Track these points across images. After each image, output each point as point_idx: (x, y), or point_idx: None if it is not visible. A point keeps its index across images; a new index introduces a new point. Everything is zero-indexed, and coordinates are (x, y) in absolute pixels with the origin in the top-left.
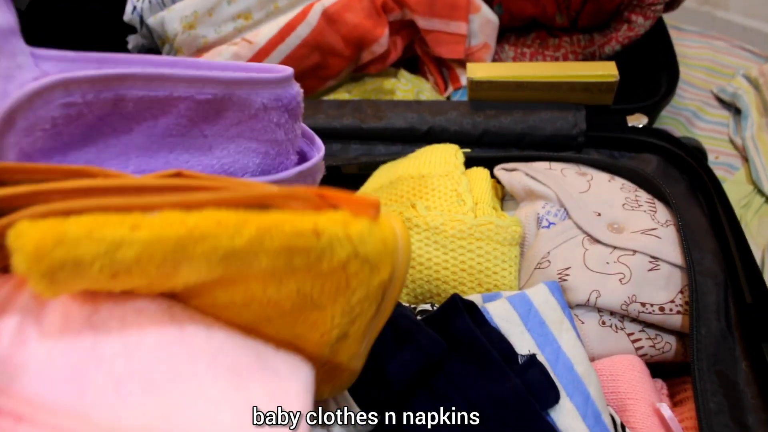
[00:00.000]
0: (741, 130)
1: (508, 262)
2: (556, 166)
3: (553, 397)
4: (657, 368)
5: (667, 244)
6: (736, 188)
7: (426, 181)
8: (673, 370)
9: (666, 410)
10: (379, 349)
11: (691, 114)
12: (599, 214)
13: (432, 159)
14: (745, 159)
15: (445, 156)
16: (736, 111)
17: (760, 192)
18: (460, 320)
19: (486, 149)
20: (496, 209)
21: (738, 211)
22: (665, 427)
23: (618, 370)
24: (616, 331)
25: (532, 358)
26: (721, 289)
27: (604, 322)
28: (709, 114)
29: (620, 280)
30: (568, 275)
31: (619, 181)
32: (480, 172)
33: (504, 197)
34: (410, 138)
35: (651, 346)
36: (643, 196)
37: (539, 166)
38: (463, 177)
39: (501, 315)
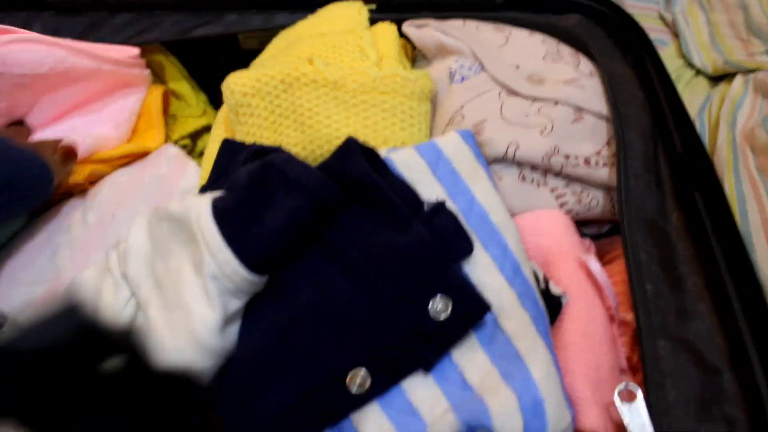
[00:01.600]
0: (671, 6)
1: (417, 118)
2: (471, 23)
3: (465, 247)
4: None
5: (592, 94)
6: (667, 63)
7: (326, 40)
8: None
9: (593, 263)
10: (260, 195)
11: None
12: (518, 67)
13: (333, 17)
14: (675, 34)
15: (348, 13)
16: None
17: (690, 65)
18: (356, 164)
19: (397, 14)
20: (405, 66)
21: None
22: (592, 281)
23: (541, 224)
24: (538, 187)
25: (440, 205)
26: (649, 140)
27: (524, 177)
28: None
29: (541, 132)
30: (483, 128)
31: (539, 36)
32: (386, 28)
33: (415, 60)
34: (314, 3)
35: (576, 202)
36: (565, 49)
37: (452, 23)
38: (367, 32)
39: (406, 163)
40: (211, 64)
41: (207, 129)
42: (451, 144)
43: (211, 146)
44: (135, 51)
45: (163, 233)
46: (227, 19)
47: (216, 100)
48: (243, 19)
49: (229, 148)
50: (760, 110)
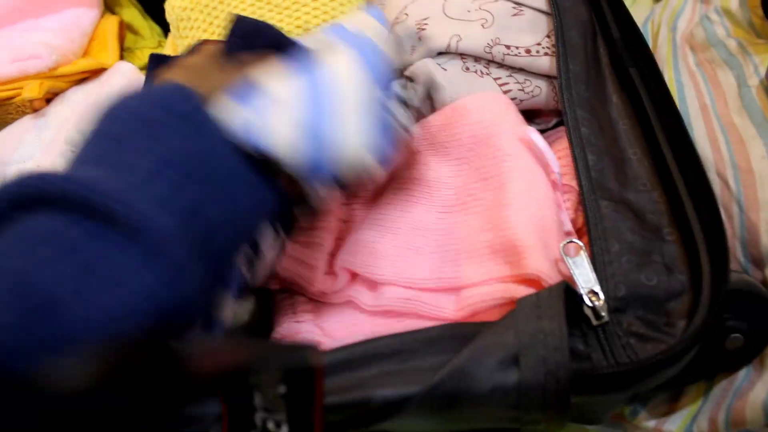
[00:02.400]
0: None
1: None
2: None
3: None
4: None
5: None
6: None
7: None
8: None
9: (533, 134)
10: None
11: None
12: None
13: None
14: None
15: None
16: None
17: None
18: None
19: None
20: None
21: None
22: (534, 153)
23: (481, 102)
24: (482, 76)
25: None
26: (588, 31)
27: (468, 68)
28: None
29: (482, 25)
30: (426, 24)
31: None
32: None
33: None
34: None
35: (520, 90)
36: None
37: None
38: None
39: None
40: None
41: None
42: (359, 20)
43: None
44: None
45: None
46: None
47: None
48: None
49: (158, 61)
50: (700, 13)
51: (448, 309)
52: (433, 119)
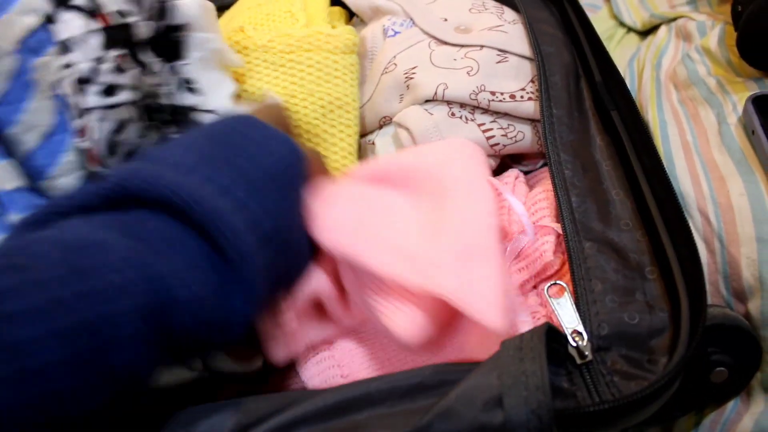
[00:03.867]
0: None
1: (342, 70)
2: None
3: None
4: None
5: (515, 38)
6: (600, 23)
7: (261, 9)
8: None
9: (509, 196)
10: None
11: None
12: (446, 20)
13: None
14: None
15: None
16: None
17: (622, 24)
18: None
19: None
20: (333, 27)
21: None
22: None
23: (447, 150)
24: (467, 122)
25: None
26: (571, 74)
27: (453, 114)
28: None
29: (468, 73)
30: (414, 73)
31: None
32: None
33: (354, 26)
34: None
35: (503, 135)
36: (490, 2)
37: None
38: None
39: None
40: None
41: None
42: None
43: None
44: None
45: None
46: None
47: None
48: None
49: None
50: (682, 51)
51: None
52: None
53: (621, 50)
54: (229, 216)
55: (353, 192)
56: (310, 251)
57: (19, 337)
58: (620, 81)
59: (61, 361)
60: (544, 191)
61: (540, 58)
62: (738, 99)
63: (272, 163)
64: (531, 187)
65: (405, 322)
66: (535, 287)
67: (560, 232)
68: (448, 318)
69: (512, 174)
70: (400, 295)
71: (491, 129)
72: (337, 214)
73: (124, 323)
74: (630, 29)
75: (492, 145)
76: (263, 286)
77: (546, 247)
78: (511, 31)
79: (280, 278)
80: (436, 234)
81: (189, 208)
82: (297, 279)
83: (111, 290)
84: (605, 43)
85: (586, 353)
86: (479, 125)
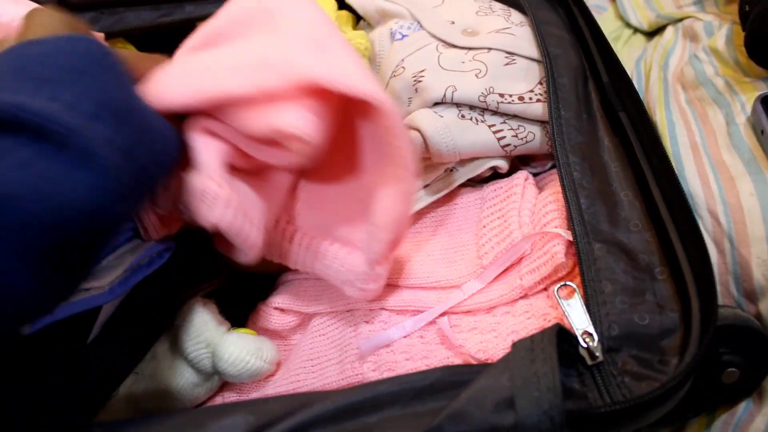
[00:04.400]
0: None
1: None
2: None
3: None
4: None
5: (522, 40)
6: (606, 24)
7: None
8: None
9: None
10: None
11: None
12: (453, 23)
13: None
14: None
15: None
16: None
17: (628, 25)
18: None
19: None
20: (344, 32)
21: None
22: None
23: None
24: (477, 124)
25: None
26: (578, 76)
27: (463, 116)
28: None
29: (476, 75)
30: (423, 77)
31: None
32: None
33: (361, 29)
34: None
35: (513, 136)
36: (497, 4)
37: None
38: None
39: None
40: (172, 54)
41: None
42: None
43: None
44: (99, 35)
45: None
46: (186, 9)
47: None
48: (200, 8)
49: None
50: (689, 51)
51: None
52: None
53: (628, 51)
54: (45, 107)
55: (185, 58)
56: (167, 127)
57: None
58: (628, 82)
59: None
60: (553, 194)
61: (548, 60)
62: (746, 99)
63: (74, 58)
64: (540, 189)
65: (293, 118)
66: (545, 289)
67: (569, 238)
68: (330, 118)
69: (522, 176)
70: (275, 102)
71: (502, 130)
72: (178, 74)
73: None
74: (636, 30)
75: (503, 146)
76: (116, 159)
77: (557, 249)
78: (518, 34)
79: (143, 156)
80: (280, 41)
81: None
82: (168, 156)
83: None
84: (612, 45)
85: (597, 354)
86: (490, 126)
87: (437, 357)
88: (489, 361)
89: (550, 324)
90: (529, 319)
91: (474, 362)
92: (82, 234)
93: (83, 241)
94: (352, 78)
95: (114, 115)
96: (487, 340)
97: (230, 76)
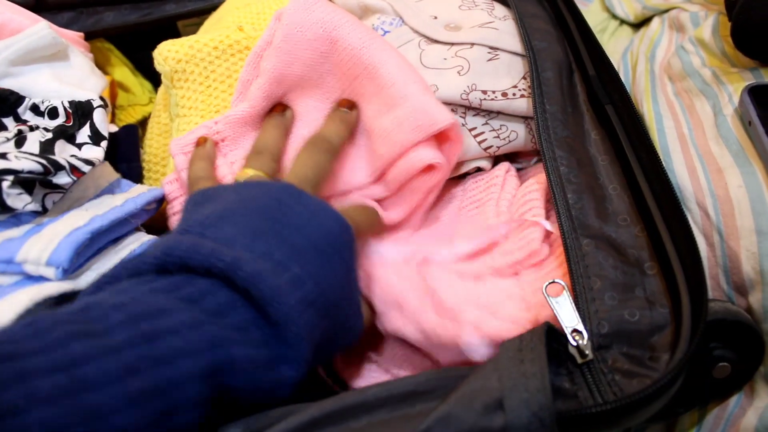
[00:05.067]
0: None
1: None
2: None
3: None
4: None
5: (505, 34)
6: (592, 17)
7: (251, 8)
8: None
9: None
10: None
11: None
12: (435, 18)
13: None
14: None
15: None
16: None
17: (615, 17)
18: None
19: None
20: None
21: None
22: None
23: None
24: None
25: None
26: (564, 69)
27: None
28: None
29: (458, 72)
30: None
31: None
32: None
33: None
34: None
35: (495, 137)
36: None
37: None
38: None
39: None
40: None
41: None
42: None
43: (152, 124)
44: (79, 34)
45: None
46: (166, 8)
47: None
48: (181, 6)
49: None
50: (676, 43)
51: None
52: None
53: (614, 43)
54: (269, 277)
55: None
56: (360, 322)
57: (95, 402)
58: (614, 74)
59: (131, 423)
60: (537, 183)
61: (531, 54)
62: (734, 90)
63: (318, 235)
64: (523, 181)
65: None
66: (516, 274)
67: (548, 228)
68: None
69: (503, 167)
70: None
71: (483, 132)
72: None
73: (188, 386)
74: (623, 22)
75: (486, 149)
76: (309, 349)
77: (534, 236)
78: (501, 28)
79: (328, 343)
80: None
81: (232, 272)
82: (344, 345)
83: (176, 354)
84: (598, 36)
85: (587, 352)
86: (470, 130)
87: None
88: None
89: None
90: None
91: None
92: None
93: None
94: (449, 115)
95: (324, 306)
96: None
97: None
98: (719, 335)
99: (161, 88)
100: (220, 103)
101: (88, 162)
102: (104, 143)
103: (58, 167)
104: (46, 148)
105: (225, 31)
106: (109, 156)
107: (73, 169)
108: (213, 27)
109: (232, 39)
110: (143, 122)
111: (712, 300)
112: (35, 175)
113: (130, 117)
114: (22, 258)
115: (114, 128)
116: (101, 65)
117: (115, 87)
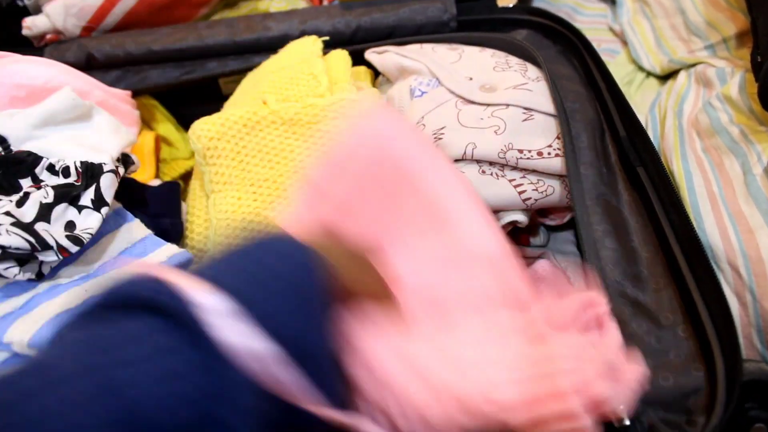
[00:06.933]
0: (618, 18)
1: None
2: (427, 45)
3: None
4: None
5: (539, 96)
6: (619, 69)
7: (284, 73)
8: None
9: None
10: None
11: (570, 9)
12: (471, 79)
13: (291, 51)
14: (625, 43)
15: (303, 46)
16: (612, 1)
17: (641, 69)
18: None
19: (359, 45)
20: (358, 87)
21: (623, 89)
22: None
23: None
24: (497, 179)
25: None
26: (596, 130)
27: (483, 171)
28: (588, 8)
29: (495, 132)
30: (443, 134)
31: (489, 51)
32: (337, 54)
33: (379, 85)
34: (284, 45)
35: (534, 190)
36: (513, 59)
37: (411, 47)
38: (319, 60)
39: None
40: (196, 109)
41: None
42: None
43: (193, 183)
44: (126, 92)
45: None
46: (208, 67)
47: None
48: (222, 65)
49: None
50: (703, 98)
51: None
52: None
53: (641, 95)
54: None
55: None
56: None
57: None
58: (644, 136)
59: None
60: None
61: (564, 115)
62: (762, 149)
63: (281, 267)
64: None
65: None
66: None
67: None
68: None
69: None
70: None
71: (522, 184)
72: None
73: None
74: (649, 74)
75: (524, 200)
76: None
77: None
78: (535, 89)
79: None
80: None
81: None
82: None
83: (65, 406)
84: (625, 89)
85: (623, 418)
86: (510, 180)
87: None
88: None
89: None
90: None
91: None
92: None
93: None
94: None
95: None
96: None
97: None
98: (754, 395)
99: (196, 162)
100: (253, 177)
101: (77, 241)
102: (104, 210)
103: (46, 246)
104: (44, 212)
105: (252, 105)
106: (150, 208)
107: (61, 249)
108: (248, 92)
109: (259, 115)
110: (186, 176)
111: (747, 360)
112: (22, 251)
113: (173, 171)
114: (8, 339)
115: (157, 182)
116: (146, 120)
117: (159, 141)
